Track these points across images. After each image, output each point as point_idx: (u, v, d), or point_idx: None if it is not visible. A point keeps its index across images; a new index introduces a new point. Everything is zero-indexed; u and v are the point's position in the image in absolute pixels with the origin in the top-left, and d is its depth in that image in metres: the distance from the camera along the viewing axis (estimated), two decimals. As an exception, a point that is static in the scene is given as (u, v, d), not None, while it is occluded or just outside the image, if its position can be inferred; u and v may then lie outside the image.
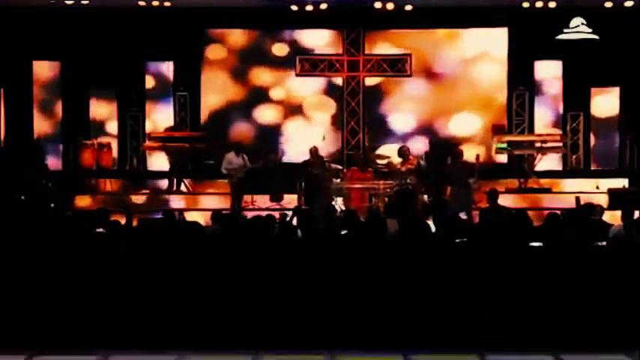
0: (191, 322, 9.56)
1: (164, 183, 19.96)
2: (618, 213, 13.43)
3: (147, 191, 19.71)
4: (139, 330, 9.57)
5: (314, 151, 17.71)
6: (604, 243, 10.73)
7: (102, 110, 21.14)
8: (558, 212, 12.06)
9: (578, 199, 15.47)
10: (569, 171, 20.58)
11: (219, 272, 9.72)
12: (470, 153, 18.06)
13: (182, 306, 9.60)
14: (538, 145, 19.79)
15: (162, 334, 9.55)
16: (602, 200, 16.17)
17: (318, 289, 9.56)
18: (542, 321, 9.45)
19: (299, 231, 11.24)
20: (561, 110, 21.04)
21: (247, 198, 18.18)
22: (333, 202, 16.60)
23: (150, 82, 21.18)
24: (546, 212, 13.80)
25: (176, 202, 18.80)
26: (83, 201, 18.76)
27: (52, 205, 17.83)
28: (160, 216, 13.58)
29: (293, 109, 21.16)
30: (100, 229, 11.38)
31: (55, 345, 9.48)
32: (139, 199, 18.98)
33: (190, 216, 15.34)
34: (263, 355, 9.40)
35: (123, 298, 9.64)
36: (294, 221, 12.94)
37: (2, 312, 9.59)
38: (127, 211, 14.26)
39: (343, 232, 11.42)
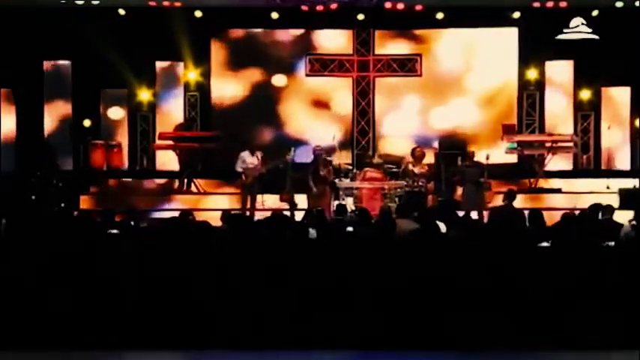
0: (199, 322, 9.59)
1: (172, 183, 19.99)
2: (627, 213, 13.39)
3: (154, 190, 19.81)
4: (148, 330, 9.60)
5: (318, 151, 17.63)
6: (612, 243, 10.72)
7: (112, 110, 21.17)
8: (571, 213, 12.08)
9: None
10: (579, 171, 20.53)
11: (229, 272, 9.75)
12: (480, 153, 18.04)
13: (192, 306, 9.63)
14: (548, 144, 19.73)
15: (171, 333, 9.58)
16: (613, 200, 16.13)
17: (330, 288, 9.59)
18: (547, 320, 9.46)
19: (311, 231, 11.24)
20: (572, 110, 21.00)
21: (257, 198, 18.14)
22: (344, 202, 16.61)
23: (160, 82, 21.19)
24: (555, 212, 13.82)
25: (186, 201, 18.81)
26: (90, 201, 18.77)
27: (62, 205, 17.87)
28: (169, 216, 13.61)
29: (303, 109, 21.16)
30: (109, 230, 11.41)
31: (64, 342, 9.53)
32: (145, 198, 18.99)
33: (200, 216, 15.33)
34: (266, 353, 9.45)
35: (132, 298, 9.67)
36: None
37: (11, 311, 9.63)
38: (132, 211, 14.29)
39: (350, 229, 11.45)
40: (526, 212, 12.89)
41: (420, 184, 17.17)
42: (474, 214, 15.63)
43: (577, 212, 13.03)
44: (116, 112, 21.20)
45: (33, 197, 17.96)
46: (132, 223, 12.71)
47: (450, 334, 9.45)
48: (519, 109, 21.03)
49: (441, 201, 16.98)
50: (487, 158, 17.47)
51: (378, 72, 21.02)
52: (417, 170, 17.37)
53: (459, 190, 17.31)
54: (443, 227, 11.32)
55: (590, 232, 10.82)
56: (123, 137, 21.18)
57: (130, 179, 20.36)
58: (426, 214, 12.34)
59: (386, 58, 20.98)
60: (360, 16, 20.69)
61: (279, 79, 21.21)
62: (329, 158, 17.65)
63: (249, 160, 17.69)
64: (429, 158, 18.35)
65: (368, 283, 9.60)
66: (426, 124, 21.03)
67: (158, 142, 20.44)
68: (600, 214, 12.92)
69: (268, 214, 12.83)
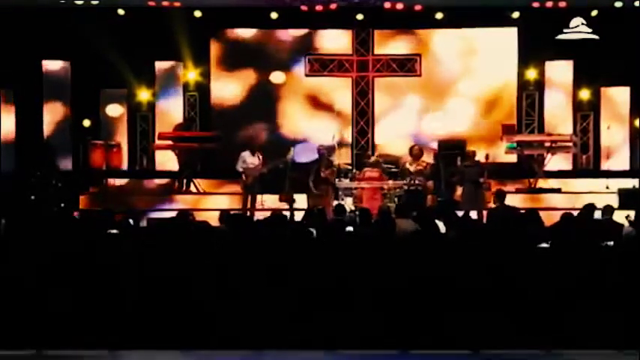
0: (199, 322, 9.60)
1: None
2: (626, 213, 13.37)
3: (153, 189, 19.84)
4: (148, 330, 9.61)
5: (322, 151, 17.66)
6: (611, 243, 10.73)
7: (112, 110, 21.16)
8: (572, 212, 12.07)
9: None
10: (579, 171, 20.53)
11: (229, 272, 9.75)
12: (479, 153, 18.03)
13: (192, 306, 9.64)
14: (548, 144, 19.72)
15: (171, 333, 9.59)
16: (612, 200, 16.13)
17: (330, 288, 9.59)
18: (547, 320, 9.47)
19: (313, 231, 11.25)
20: (571, 110, 21.00)
21: (257, 198, 18.14)
22: (342, 202, 16.60)
23: (159, 82, 21.18)
24: (554, 212, 13.80)
25: (186, 201, 18.81)
26: (89, 201, 18.77)
27: (62, 205, 17.87)
28: (169, 216, 13.61)
29: (302, 109, 21.16)
30: (110, 230, 11.41)
31: (64, 342, 9.54)
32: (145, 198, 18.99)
33: (200, 216, 15.32)
34: (266, 353, 9.46)
35: (132, 298, 9.68)
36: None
37: (11, 311, 9.64)
38: (131, 210, 14.29)
39: (349, 229, 11.46)
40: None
41: (418, 182, 17.17)
42: (474, 214, 15.66)
43: (576, 212, 13.01)
44: (116, 112, 21.18)
45: (33, 197, 17.96)
46: (130, 221, 12.72)
47: (450, 334, 9.45)
48: (519, 109, 21.02)
49: (441, 201, 16.98)
50: (487, 158, 17.50)
51: (377, 72, 21.01)
52: (413, 169, 17.39)
53: (459, 191, 17.31)
54: (442, 227, 11.33)
55: (590, 232, 10.83)
56: (122, 137, 21.16)
57: (125, 179, 20.30)
58: (425, 214, 12.34)
59: (385, 58, 20.97)
60: (360, 16, 20.69)
61: (278, 79, 21.20)
62: (331, 159, 17.66)
63: (249, 160, 17.72)
64: (429, 158, 18.32)
65: (368, 283, 9.61)
66: (425, 124, 21.01)
67: (158, 142, 20.42)
68: (600, 214, 12.93)
69: (268, 214, 12.83)
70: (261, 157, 17.87)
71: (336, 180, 17.34)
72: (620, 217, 12.92)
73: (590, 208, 12.87)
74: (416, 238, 10.54)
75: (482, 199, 16.84)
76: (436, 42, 21.09)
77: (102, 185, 19.87)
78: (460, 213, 13.20)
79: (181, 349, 9.54)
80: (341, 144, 19.23)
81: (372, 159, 18.34)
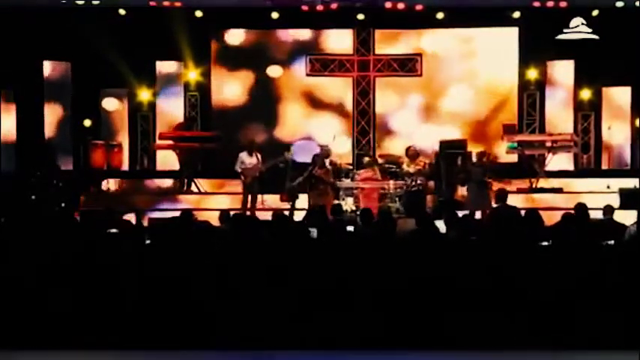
0: (199, 322, 9.60)
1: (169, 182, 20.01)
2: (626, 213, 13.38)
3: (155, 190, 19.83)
4: (148, 330, 9.60)
5: (324, 152, 17.67)
6: (611, 242, 10.74)
7: (112, 110, 21.15)
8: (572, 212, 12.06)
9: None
10: (580, 171, 20.52)
11: (229, 272, 9.75)
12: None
13: (192, 306, 9.64)
14: (549, 144, 19.71)
15: (171, 333, 9.59)
16: (613, 200, 16.12)
17: (330, 289, 9.59)
18: (547, 320, 9.47)
19: (313, 231, 11.26)
20: (572, 110, 20.99)
21: (257, 198, 18.13)
22: (342, 202, 16.60)
23: (160, 82, 21.18)
24: (555, 212, 13.80)
25: (187, 201, 18.80)
26: (89, 201, 18.77)
27: (63, 205, 17.87)
28: (170, 216, 13.60)
29: (303, 109, 21.16)
30: (111, 230, 11.41)
31: (64, 342, 9.54)
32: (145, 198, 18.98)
33: (201, 216, 15.31)
34: (266, 354, 9.46)
35: (132, 298, 9.67)
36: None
37: (11, 311, 9.64)
38: (132, 210, 14.30)
39: (350, 228, 11.47)
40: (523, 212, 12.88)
41: (419, 182, 17.16)
42: (478, 214, 15.67)
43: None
44: (116, 112, 21.19)
45: (33, 197, 17.95)
46: (131, 220, 12.72)
47: (450, 334, 9.45)
48: (520, 109, 21.02)
49: (441, 201, 16.98)
50: (487, 157, 17.49)
51: (378, 72, 21.02)
52: (412, 169, 17.39)
53: (460, 190, 17.31)
54: (442, 227, 11.33)
55: (591, 232, 10.83)
56: (123, 137, 21.18)
57: (114, 179, 20.25)
58: (425, 214, 12.35)
59: (386, 57, 20.98)
60: (360, 16, 20.70)
61: (279, 79, 21.20)
62: (331, 158, 17.66)
63: (247, 160, 17.75)
64: (427, 158, 18.32)
65: (368, 283, 9.60)
66: (426, 124, 21.02)
67: (158, 142, 20.42)
68: (602, 214, 12.92)
69: (268, 213, 12.83)
70: (259, 156, 17.88)
71: (337, 180, 17.33)
72: (620, 217, 12.92)
73: (581, 207, 12.82)
74: (416, 238, 10.55)
75: (488, 199, 16.82)
76: (437, 42, 21.09)
77: (98, 188, 19.79)
78: (462, 213, 13.20)
79: (181, 349, 9.53)
80: (341, 145, 19.24)
81: (366, 160, 18.38)
